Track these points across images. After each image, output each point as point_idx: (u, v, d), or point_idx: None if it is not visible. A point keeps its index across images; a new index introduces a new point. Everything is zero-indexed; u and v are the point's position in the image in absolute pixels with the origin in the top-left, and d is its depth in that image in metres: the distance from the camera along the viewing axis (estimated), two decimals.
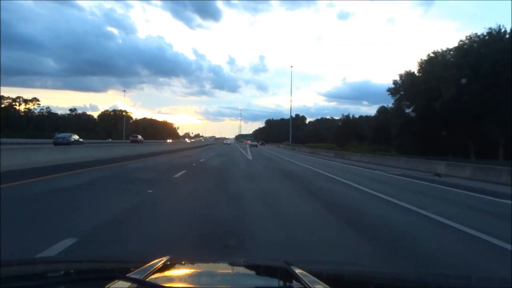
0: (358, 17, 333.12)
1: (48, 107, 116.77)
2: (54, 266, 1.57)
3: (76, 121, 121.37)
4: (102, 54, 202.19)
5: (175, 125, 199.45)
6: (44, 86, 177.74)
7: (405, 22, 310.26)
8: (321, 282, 1.12)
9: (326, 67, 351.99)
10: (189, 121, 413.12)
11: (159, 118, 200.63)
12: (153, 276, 1.15)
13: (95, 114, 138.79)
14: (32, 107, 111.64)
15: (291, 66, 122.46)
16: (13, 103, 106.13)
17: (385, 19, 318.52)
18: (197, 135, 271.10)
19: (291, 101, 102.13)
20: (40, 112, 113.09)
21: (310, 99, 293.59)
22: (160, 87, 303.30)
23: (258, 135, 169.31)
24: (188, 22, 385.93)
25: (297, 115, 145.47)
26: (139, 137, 56.87)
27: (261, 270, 1.49)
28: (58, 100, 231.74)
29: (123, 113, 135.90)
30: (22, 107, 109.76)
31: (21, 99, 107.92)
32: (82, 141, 33.27)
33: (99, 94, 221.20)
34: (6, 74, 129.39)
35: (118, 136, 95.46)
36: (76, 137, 32.91)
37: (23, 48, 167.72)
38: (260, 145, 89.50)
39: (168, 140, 74.96)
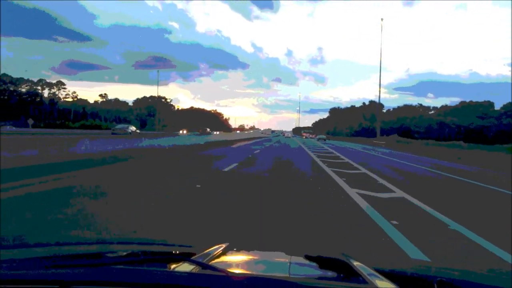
0: (425, 3, 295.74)
1: (75, 92, 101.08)
2: (123, 247, 1.63)
3: (108, 108, 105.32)
4: (163, 48, 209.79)
5: (225, 116, 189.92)
6: (111, 80, 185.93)
7: (477, 8, 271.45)
8: (381, 276, 1.09)
9: (388, 58, 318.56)
10: (246, 113, 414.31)
11: (218, 110, 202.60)
12: (214, 261, 1.19)
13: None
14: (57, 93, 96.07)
15: (382, 19, 71.09)
16: (35, 87, 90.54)
17: (455, 5, 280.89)
18: (252, 127, 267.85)
19: (380, 66, 58.19)
20: (65, 97, 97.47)
21: (370, 92, 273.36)
22: (218, 80, 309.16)
23: (318, 127, 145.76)
24: (246, 13, 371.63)
25: (372, 102, 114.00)
26: (208, 129, 64.66)
27: (319, 261, 1.45)
28: (124, 93, 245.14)
29: (163, 100, 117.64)
30: (46, 92, 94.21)
31: (43, 82, 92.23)
32: (139, 132, 35.47)
33: (160, 87, 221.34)
34: (76, 68, 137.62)
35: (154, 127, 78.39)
36: (133, 128, 35.67)
37: (91, 44, 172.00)
38: (326, 139, 69.88)
39: (181, 132, 60.79)
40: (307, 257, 1.46)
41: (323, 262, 1.42)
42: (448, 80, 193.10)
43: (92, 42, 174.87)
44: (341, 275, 1.28)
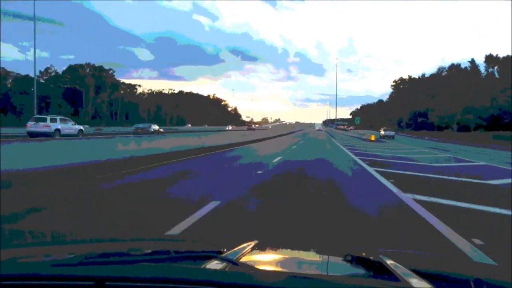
0: None
1: None
2: (155, 244, 1.71)
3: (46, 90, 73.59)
4: (191, 43, 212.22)
5: (229, 104, 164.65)
6: (141, 77, 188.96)
7: None
8: (415, 275, 1.08)
9: (422, 47, 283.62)
10: (275, 107, 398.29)
11: (247, 105, 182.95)
12: (243, 258, 1.20)
13: None
14: None
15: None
16: None
17: None
18: (277, 120, 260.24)
19: None
20: None
21: None
22: (247, 73, 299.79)
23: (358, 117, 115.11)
24: (273, 3, 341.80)
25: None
26: (253, 126, 74.93)
27: (351, 259, 1.37)
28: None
29: (104, 74, 76.89)
30: None
31: None
32: (163, 131, 34.47)
33: (190, 82, 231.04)
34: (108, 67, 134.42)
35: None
36: (156, 127, 34.47)
37: (123, 42, 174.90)
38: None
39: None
40: (339, 256, 1.44)
41: (356, 260, 1.37)
42: None
43: (124, 40, 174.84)
44: (375, 273, 1.26)
